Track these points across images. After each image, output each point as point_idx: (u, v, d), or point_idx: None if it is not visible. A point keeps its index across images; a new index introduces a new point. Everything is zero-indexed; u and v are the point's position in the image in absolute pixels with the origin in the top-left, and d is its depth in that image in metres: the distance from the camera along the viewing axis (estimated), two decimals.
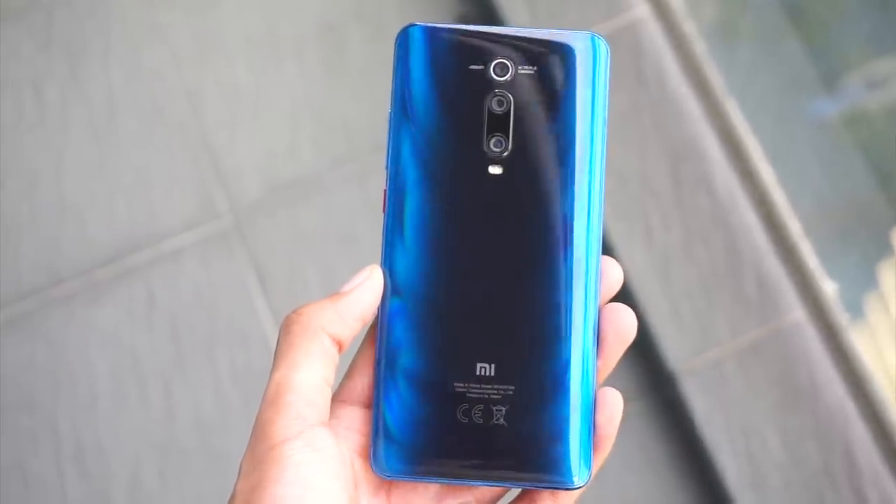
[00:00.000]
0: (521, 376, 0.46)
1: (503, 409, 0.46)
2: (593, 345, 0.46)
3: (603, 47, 0.48)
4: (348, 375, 0.47)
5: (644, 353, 1.12)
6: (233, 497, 0.43)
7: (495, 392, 0.46)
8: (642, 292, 1.10)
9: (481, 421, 0.46)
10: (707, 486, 1.09)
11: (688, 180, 1.14)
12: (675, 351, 1.09)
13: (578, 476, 0.45)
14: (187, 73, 1.24)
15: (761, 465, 1.07)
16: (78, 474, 1.13)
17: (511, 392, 0.46)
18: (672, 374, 1.09)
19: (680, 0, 1.21)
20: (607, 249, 1.12)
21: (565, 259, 0.46)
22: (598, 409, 0.46)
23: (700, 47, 1.19)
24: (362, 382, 0.47)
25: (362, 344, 0.48)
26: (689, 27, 1.19)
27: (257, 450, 0.43)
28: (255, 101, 1.23)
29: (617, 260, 1.22)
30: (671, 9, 1.20)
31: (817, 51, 1.28)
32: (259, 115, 1.23)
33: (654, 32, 1.18)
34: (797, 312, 1.10)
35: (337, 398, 0.47)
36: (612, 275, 0.48)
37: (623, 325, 0.47)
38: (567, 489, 0.45)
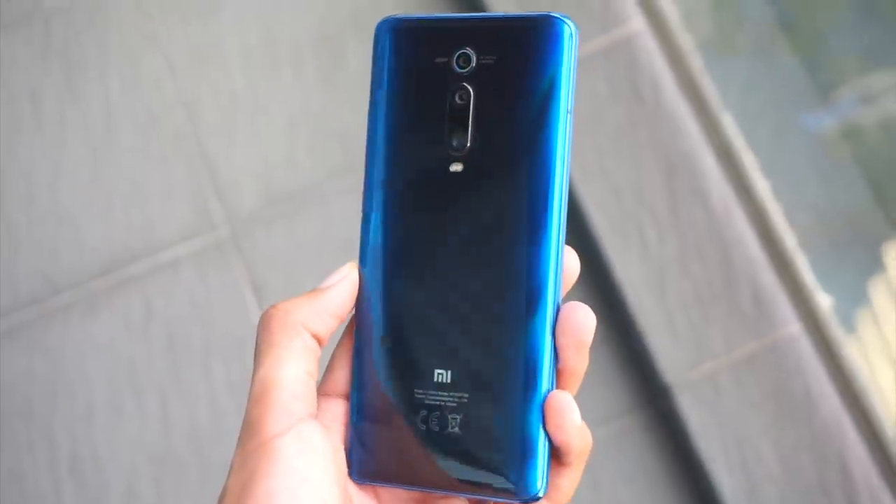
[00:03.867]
0: (475, 384, 0.44)
1: (458, 417, 0.45)
2: (549, 347, 0.44)
3: (567, 29, 0.44)
4: (329, 368, 0.47)
5: (639, 366, 1.12)
6: (224, 494, 0.43)
7: (451, 400, 0.45)
8: (637, 305, 1.10)
9: (437, 429, 0.45)
10: (702, 500, 1.09)
11: (683, 194, 1.14)
12: (670, 364, 1.09)
13: (530, 488, 0.43)
14: (184, 83, 1.24)
15: (756, 478, 1.07)
16: (74, 485, 1.13)
17: (465, 400, 0.45)
18: (667, 387, 1.09)
19: (676, 14, 1.21)
20: (602, 263, 1.12)
21: (525, 260, 0.44)
22: (545, 417, 0.43)
23: (696, 61, 1.19)
24: (343, 375, 0.47)
25: (342, 336, 0.48)
26: (685, 41, 1.20)
27: (247, 446, 0.43)
28: (252, 111, 1.23)
29: (612, 273, 1.22)
30: (667, 23, 1.20)
31: (812, 65, 1.28)
32: (256, 125, 1.23)
33: (649, 46, 1.18)
34: (792, 326, 1.10)
35: (320, 391, 0.47)
36: (567, 261, 0.45)
37: (577, 326, 0.44)
38: (521, 501, 0.44)
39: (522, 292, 0.44)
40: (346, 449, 0.46)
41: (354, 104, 1.22)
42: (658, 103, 1.16)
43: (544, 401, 0.44)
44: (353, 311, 0.47)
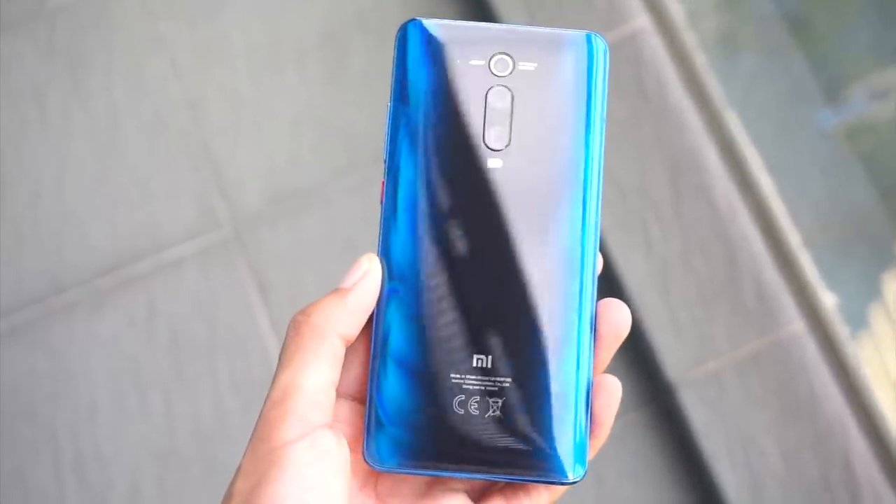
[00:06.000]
0: (518, 369, 0.46)
1: (499, 401, 0.46)
2: (590, 339, 0.46)
3: (601, 45, 0.49)
4: None
5: (643, 363, 1.12)
6: (229, 497, 0.43)
7: (492, 384, 0.46)
8: (641, 303, 1.10)
9: (477, 413, 0.46)
10: (705, 497, 1.09)
11: (687, 191, 1.14)
12: (674, 362, 1.10)
13: (573, 471, 0.45)
14: (189, 83, 1.25)
15: (760, 476, 1.07)
16: (77, 483, 1.13)
17: (508, 384, 0.46)
18: (671, 384, 1.09)
19: (680, 11, 1.21)
20: (606, 260, 1.12)
21: (563, 252, 0.47)
22: (595, 395, 0.46)
23: (700, 59, 1.19)
24: (350, 375, 0.47)
25: None
26: (690, 38, 1.20)
27: (259, 451, 0.43)
28: (256, 110, 1.24)
29: (616, 270, 1.22)
30: (671, 20, 1.20)
31: (820, 62, 1.28)
32: (260, 124, 1.23)
33: (654, 43, 1.19)
34: (796, 324, 1.10)
35: None
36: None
37: (617, 320, 0.47)
38: (562, 484, 0.45)
39: (565, 281, 0.46)
40: (363, 438, 0.46)
41: (359, 104, 1.23)
42: (662, 100, 1.16)
43: (589, 386, 0.46)
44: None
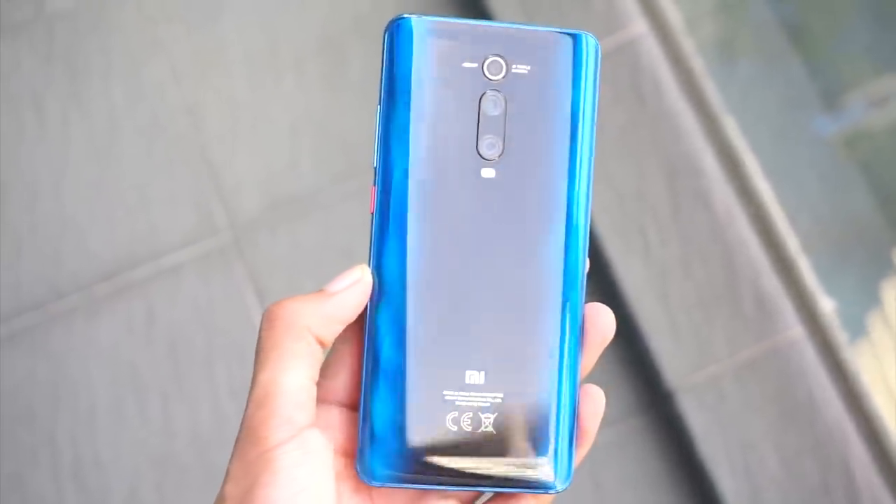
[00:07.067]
0: (510, 383, 0.46)
1: (491, 415, 0.46)
2: (578, 350, 0.47)
3: (593, 45, 0.47)
4: (322, 375, 0.46)
5: (642, 369, 1.12)
6: (221, 500, 0.43)
7: (484, 400, 0.46)
8: (640, 308, 1.10)
9: (470, 429, 0.46)
10: (704, 503, 1.09)
11: (685, 196, 1.14)
12: (672, 367, 1.09)
13: (561, 480, 0.46)
14: (187, 89, 1.25)
15: (759, 482, 1.07)
16: (76, 489, 1.13)
17: (500, 399, 0.46)
18: (670, 390, 1.09)
19: (678, 17, 1.21)
20: (605, 265, 1.12)
21: (554, 263, 0.46)
22: (581, 404, 0.46)
23: (698, 64, 1.19)
24: (336, 382, 0.47)
25: (335, 343, 0.47)
26: (688, 44, 1.20)
27: (248, 454, 0.43)
28: (254, 116, 1.24)
29: (614, 276, 1.22)
30: (669, 25, 1.20)
31: (818, 69, 1.28)
32: (259, 130, 1.23)
33: (652, 49, 1.19)
34: (795, 329, 1.10)
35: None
36: None
37: (603, 325, 0.47)
38: (549, 493, 0.46)
39: (555, 291, 0.46)
40: (357, 453, 0.46)
41: (357, 109, 1.23)
42: (660, 105, 1.16)
43: (576, 397, 0.46)
44: (365, 316, 0.46)
